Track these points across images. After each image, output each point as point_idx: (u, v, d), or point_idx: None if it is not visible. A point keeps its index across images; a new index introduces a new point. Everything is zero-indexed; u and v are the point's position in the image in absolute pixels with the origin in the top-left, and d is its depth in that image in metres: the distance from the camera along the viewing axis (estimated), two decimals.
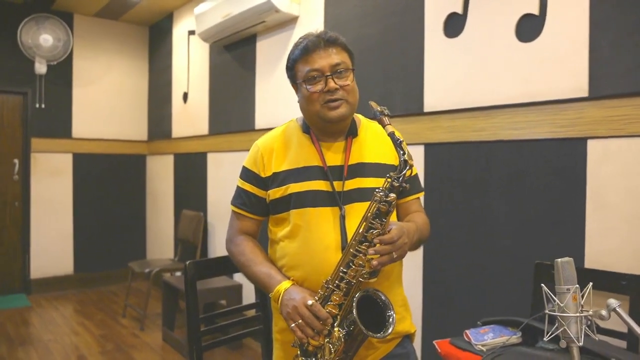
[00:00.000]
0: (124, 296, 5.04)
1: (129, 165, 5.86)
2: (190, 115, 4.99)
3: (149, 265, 4.48)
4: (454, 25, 2.48)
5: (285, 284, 1.42)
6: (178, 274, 4.80)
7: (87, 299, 5.09)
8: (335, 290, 1.33)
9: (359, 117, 1.59)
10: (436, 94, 2.57)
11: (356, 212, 1.41)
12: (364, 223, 1.31)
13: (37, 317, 4.48)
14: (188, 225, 4.72)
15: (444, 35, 2.52)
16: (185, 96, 5.04)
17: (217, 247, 4.55)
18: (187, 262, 1.93)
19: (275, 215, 1.52)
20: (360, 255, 1.30)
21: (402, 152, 1.30)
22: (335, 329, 1.32)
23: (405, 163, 1.29)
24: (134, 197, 5.91)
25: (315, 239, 1.42)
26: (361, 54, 3.03)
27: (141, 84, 5.89)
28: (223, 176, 4.49)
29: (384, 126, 1.34)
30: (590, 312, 1.14)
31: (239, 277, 3.90)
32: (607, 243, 1.94)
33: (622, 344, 1.82)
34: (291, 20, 3.61)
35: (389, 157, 1.51)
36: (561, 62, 2.08)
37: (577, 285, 1.14)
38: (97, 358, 3.54)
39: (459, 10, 2.45)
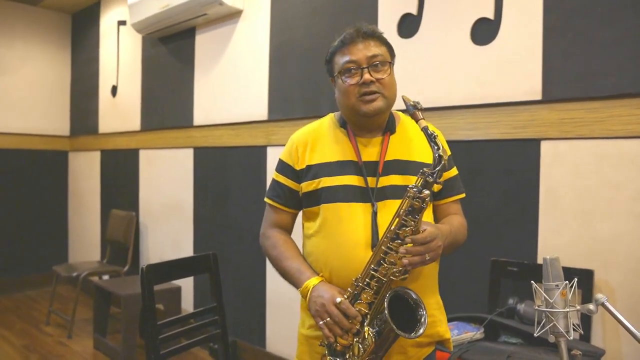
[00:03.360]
0: (44, 302, 4.71)
1: (49, 162, 5.46)
2: (120, 109, 4.73)
3: (75, 268, 4.20)
4: (408, 26, 2.51)
5: (314, 280, 1.38)
6: (106, 277, 4.54)
7: (3, 307, 4.68)
8: (365, 289, 1.30)
9: (398, 114, 1.56)
10: None
11: (389, 209, 1.37)
12: (397, 219, 1.28)
13: None
14: (118, 225, 4.48)
15: (398, 35, 2.54)
16: (114, 90, 4.78)
17: (151, 248, 4.35)
18: (145, 266, 1.83)
19: (307, 209, 1.50)
20: (392, 253, 1.27)
21: (436, 147, 1.25)
22: (365, 328, 1.29)
23: (440, 158, 1.25)
24: (54, 196, 5.51)
25: (345, 235, 1.38)
26: (310, 51, 3.01)
27: (62, 76, 5.51)
28: (157, 174, 4.30)
29: (417, 120, 1.31)
30: (579, 307, 1.18)
31: (178, 280, 3.75)
32: (559, 239, 2.04)
33: (575, 335, 1.92)
34: (234, 14, 3.51)
35: (427, 156, 1.46)
36: (516, 66, 2.16)
37: (566, 282, 1.17)
38: None
39: (414, 11, 2.48)
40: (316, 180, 1.44)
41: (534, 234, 2.10)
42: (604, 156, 1.94)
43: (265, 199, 1.58)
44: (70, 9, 5.37)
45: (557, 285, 1.17)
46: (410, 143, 1.48)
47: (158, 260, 3.96)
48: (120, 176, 4.76)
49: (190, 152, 3.90)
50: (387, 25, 2.58)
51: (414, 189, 1.27)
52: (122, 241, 4.38)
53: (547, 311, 1.17)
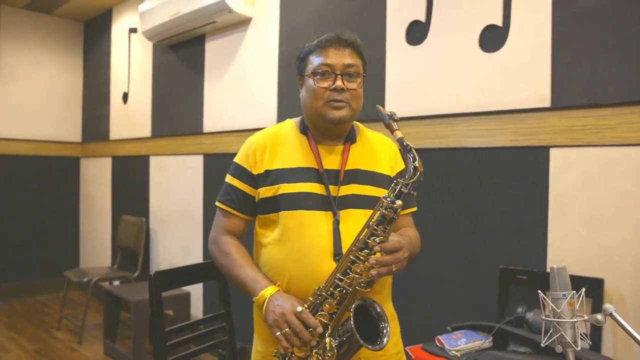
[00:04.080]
0: (55, 307, 4.74)
1: (60, 168, 5.51)
2: (131, 116, 4.77)
3: (86, 274, 4.23)
4: (417, 33, 2.51)
5: (271, 289, 1.34)
6: (116, 282, 4.57)
7: (14, 312, 4.73)
8: (328, 299, 1.26)
9: (359, 125, 1.56)
10: (398, 100, 2.59)
11: (351, 219, 1.37)
12: (366, 229, 1.26)
13: None
14: (129, 231, 4.51)
15: (406, 42, 2.54)
16: (125, 96, 4.82)
17: (161, 254, 4.37)
18: (154, 272, 1.84)
19: (264, 216, 1.45)
20: (359, 263, 1.25)
21: (412, 157, 1.26)
22: (327, 339, 1.25)
23: (416, 170, 1.25)
24: (66, 202, 5.55)
25: (307, 243, 1.35)
26: None
27: (75, 83, 5.57)
28: (167, 180, 4.33)
29: (392, 131, 1.31)
30: (586, 317, 1.17)
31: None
32: (569, 247, 2.02)
33: (585, 344, 1.90)
34: (244, 22, 3.53)
35: (386, 167, 1.48)
36: (524, 73, 2.15)
37: (573, 291, 1.16)
38: None
39: (422, 19, 2.49)
40: (275, 186, 1.40)
41: (543, 242, 2.09)
42: (613, 163, 1.93)
43: (217, 203, 1.51)
44: (83, 17, 5.44)
45: (564, 295, 1.16)
46: (370, 154, 1.48)
47: (168, 266, 3.98)
48: (131, 182, 4.79)
49: (200, 158, 3.92)
50: (395, 32, 2.58)
51: (388, 199, 1.25)
52: (132, 247, 4.41)
53: (555, 321, 1.17)
